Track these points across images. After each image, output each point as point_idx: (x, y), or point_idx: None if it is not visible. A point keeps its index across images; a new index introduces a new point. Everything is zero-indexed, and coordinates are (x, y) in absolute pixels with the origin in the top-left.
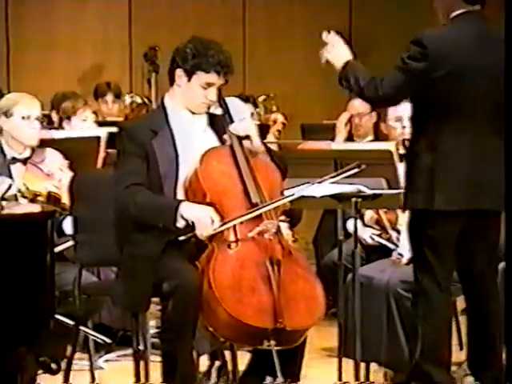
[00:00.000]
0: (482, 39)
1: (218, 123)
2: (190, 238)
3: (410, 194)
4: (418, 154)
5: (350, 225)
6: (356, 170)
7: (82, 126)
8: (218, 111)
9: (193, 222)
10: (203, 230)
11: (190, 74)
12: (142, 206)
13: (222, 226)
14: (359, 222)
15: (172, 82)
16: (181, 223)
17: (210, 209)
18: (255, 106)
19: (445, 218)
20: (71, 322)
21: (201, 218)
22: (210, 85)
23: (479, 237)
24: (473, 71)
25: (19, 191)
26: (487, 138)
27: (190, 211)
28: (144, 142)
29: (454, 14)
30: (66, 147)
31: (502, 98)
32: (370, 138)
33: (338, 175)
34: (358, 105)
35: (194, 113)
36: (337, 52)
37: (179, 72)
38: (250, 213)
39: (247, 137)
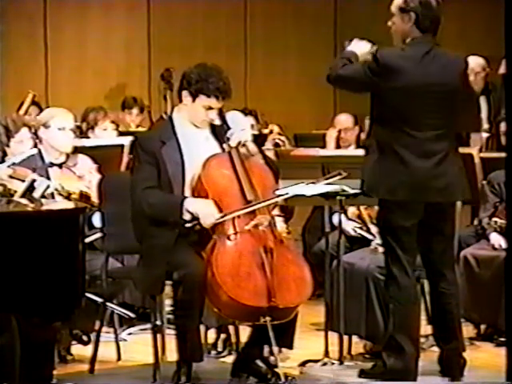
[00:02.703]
0: (431, 60)
1: (219, 132)
2: (195, 226)
3: (362, 181)
4: (369, 150)
5: (335, 219)
6: (338, 177)
7: (103, 135)
8: (218, 122)
9: (197, 214)
10: (207, 220)
11: (194, 96)
12: (154, 205)
13: (222, 217)
14: (343, 217)
15: (180, 100)
16: (187, 216)
17: (210, 202)
18: (256, 118)
19: (402, 212)
20: (100, 300)
21: (203, 209)
22: (211, 107)
23: (435, 229)
24: (420, 87)
25: (56, 190)
26: (432, 141)
27: (193, 205)
28: (154, 150)
29: (408, 39)
30: (95, 153)
31: (447, 108)
32: (353, 147)
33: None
34: (343, 120)
35: (196, 126)
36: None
37: (185, 93)
38: (247, 207)
39: (244, 144)
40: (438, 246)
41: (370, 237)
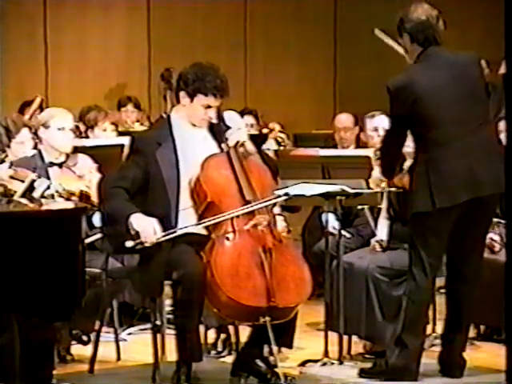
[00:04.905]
0: (441, 65)
1: (217, 131)
2: (137, 245)
3: (413, 200)
4: (415, 165)
5: (324, 218)
6: (284, 198)
7: (102, 135)
8: (216, 120)
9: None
10: (147, 238)
11: (191, 96)
12: (110, 208)
13: (165, 236)
14: (331, 216)
15: (178, 100)
16: (132, 231)
17: (154, 220)
18: (256, 118)
19: (442, 214)
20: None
21: (145, 227)
22: (209, 106)
23: (470, 226)
24: (436, 93)
25: (56, 191)
26: (469, 136)
27: (136, 222)
28: (147, 152)
29: (415, 56)
30: (95, 153)
31: (472, 101)
32: (353, 146)
33: (265, 201)
34: (343, 120)
35: (195, 125)
36: None
37: (183, 94)
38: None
39: (242, 144)
40: (466, 244)
41: (348, 235)
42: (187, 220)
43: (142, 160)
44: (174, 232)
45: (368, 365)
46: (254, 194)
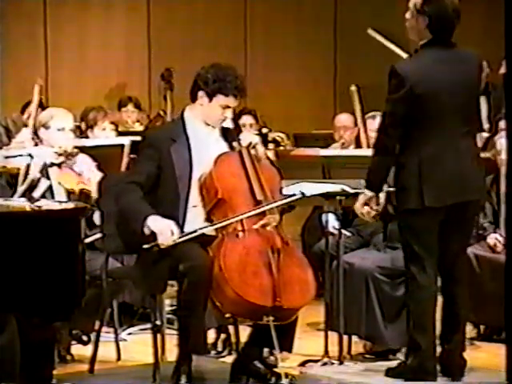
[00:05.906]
0: (448, 60)
1: (229, 134)
2: (153, 247)
3: (402, 197)
4: (406, 161)
5: (324, 218)
6: (299, 196)
7: (101, 135)
8: (226, 124)
9: (155, 233)
10: (164, 241)
11: (211, 96)
12: (125, 205)
13: (181, 237)
14: (331, 216)
15: (194, 100)
16: (146, 231)
17: (172, 222)
18: (255, 118)
19: (430, 212)
20: None
21: (162, 230)
22: (227, 106)
23: (455, 228)
24: (441, 88)
25: (59, 183)
26: (461, 139)
27: (154, 223)
28: (162, 149)
29: (422, 42)
30: (95, 153)
31: (469, 105)
32: (353, 146)
33: (282, 199)
34: (344, 120)
35: (208, 124)
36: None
37: (201, 93)
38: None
39: (254, 146)
40: (454, 245)
41: (348, 234)
42: (196, 217)
43: (156, 154)
44: (191, 233)
45: (368, 365)
46: (264, 194)
